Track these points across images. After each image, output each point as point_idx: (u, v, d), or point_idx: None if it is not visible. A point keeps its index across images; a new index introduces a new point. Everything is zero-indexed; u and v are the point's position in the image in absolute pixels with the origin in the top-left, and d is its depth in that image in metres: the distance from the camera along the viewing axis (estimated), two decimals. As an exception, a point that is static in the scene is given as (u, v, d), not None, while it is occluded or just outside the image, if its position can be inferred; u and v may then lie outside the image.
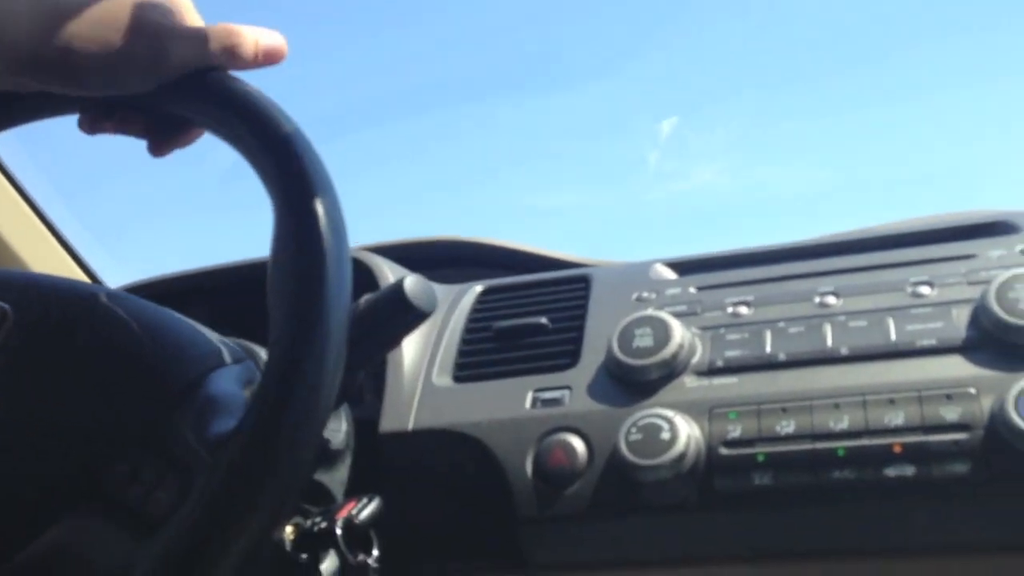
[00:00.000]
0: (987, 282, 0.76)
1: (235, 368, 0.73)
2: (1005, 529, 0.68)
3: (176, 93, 0.64)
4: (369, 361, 0.77)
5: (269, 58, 0.67)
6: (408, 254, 1.19)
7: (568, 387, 0.82)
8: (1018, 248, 0.82)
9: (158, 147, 0.70)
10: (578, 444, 0.77)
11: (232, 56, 0.65)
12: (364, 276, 0.97)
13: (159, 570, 0.56)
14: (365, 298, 0.76)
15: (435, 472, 0.82)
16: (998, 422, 0.67)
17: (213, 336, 0.75)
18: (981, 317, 0.75)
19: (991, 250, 0.83)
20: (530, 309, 0.94)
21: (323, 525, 0.72)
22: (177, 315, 0.75)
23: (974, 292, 0.77)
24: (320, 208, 0.60)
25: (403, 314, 0.72)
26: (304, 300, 0.59)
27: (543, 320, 0.91)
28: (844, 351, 0.77)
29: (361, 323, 0.74)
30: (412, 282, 0.73)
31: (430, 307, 0.73)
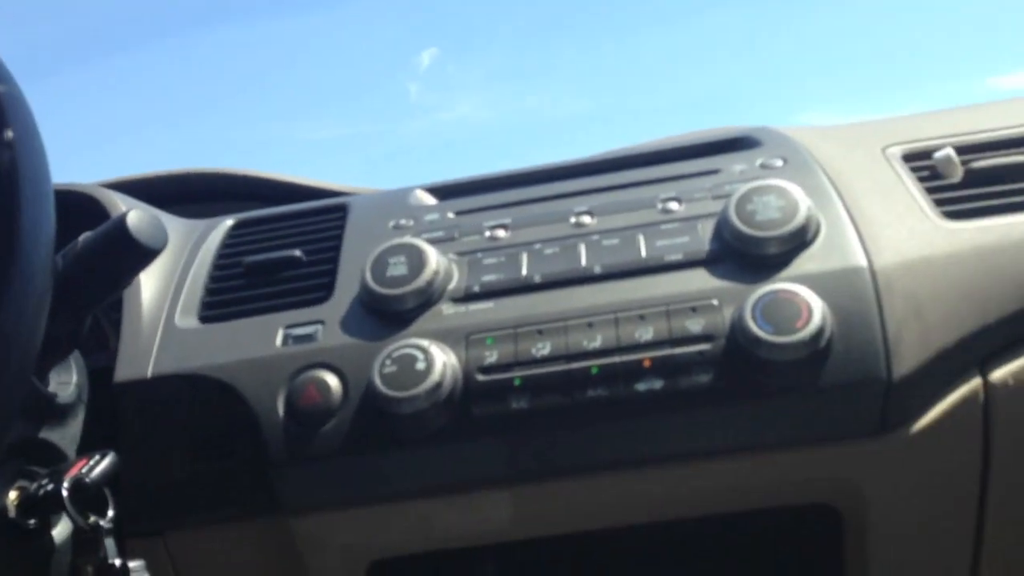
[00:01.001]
0: (728, 196, 0.78)
1: None
2: (746, 432, 0.70)
3: None
4: (94, 304, 0.71)
5: None
6: (156, 190, 1.10)
7: (321, 322, 0.78)
8: (758, 162, 0.85)
9: None
10: (332, 380, 0.74)
11: None
12: (97, 213, 0.89)
13: None
14: (84, 235, 0.69)
15: (178, 421, 0.76)
16: (737, 331, 0.69)
17: None
18: (723, 230, 0.76)
19: (734, 164, 0.85)
20: (284, 242, 0.89)
21: (49, 487, 0.67)
22: None
23: (718, 206, 0.79)
24: (11, 132, 0.54)
25: (127, 251, 0.67)
26: None
27: (296, 253, 0.86)
28: (598, 270, 0.77)
29: (80, 262, 0.68)
30: (136, 216, 0.68)
31: (158, 243, 0.68)
